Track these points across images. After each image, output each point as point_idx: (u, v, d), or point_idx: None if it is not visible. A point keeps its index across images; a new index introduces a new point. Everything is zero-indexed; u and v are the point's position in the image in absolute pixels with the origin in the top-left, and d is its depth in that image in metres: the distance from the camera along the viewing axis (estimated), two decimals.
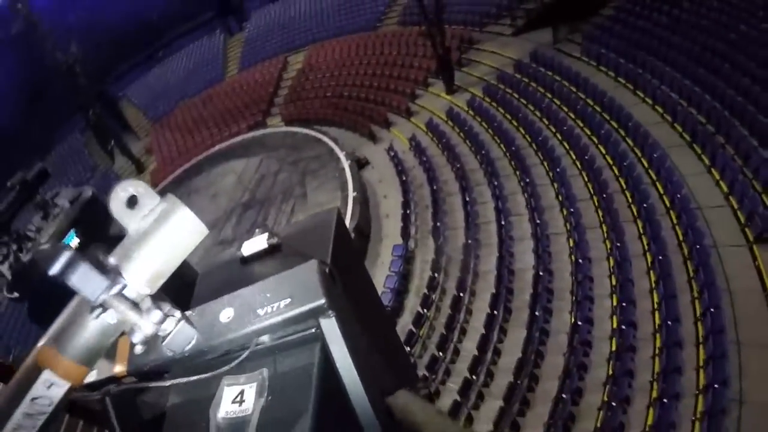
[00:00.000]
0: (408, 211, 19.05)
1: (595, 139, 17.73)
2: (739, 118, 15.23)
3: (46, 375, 1.39)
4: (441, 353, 14.26)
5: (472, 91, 23.15)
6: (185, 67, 39.11)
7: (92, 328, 1.38)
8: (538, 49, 22.32)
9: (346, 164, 22.11)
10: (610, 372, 11.98)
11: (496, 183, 18.22)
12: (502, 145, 19.80)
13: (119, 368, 1.64)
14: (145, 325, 1.42)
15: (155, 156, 33.76)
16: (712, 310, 11.42)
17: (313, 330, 1.60)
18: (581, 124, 18.50)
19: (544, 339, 13.48)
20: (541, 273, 14.86)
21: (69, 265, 1.26)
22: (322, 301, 1.51)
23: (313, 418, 1.48)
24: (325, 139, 24.79)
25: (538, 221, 16.20)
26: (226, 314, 1.60)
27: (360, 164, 22.51)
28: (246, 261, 2.02)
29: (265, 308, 1.55)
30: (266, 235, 2.01)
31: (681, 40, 17.94)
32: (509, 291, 15.03)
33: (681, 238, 13.59)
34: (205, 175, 28.17)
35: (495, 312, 14.44)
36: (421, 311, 15.46)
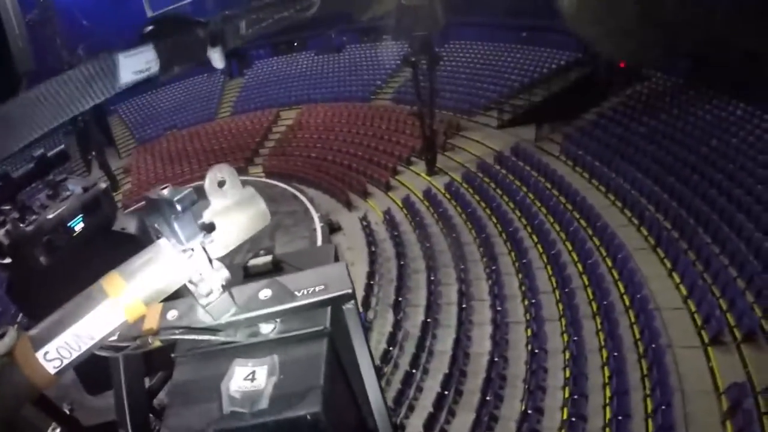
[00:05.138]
0: (372, 282, 18.82)
1: (563, 235, 18.00)
2: (703, 226, 15.66)
3: (110, 302, 1.53)
4: None
5: (451, 175, 23.60)
6: (181, 98, 39.08)
7: (165, 269, 1.59)
8: (519, 143, 23.03)
9: (318, 225, 22.05)
10: None
11: (462, 266, 18.19)
12: (473, 231, 19.96)
13: (148, 326, 1.78)
14: (213, 279, 1.66)
15: (132, 177, 32.98)
16: (663, 407, 11.21)
17: (322, 327, 1.80)
18: (551, 220, 18.83)
19: (492, 425, 13.03)
20: (496, 359, 14.59)
21: (187, 206, 1.49)
22: (351, 289, 1.79)
23: (323, 391, 1.64)
24: (303, 197, 24.83)
25: (499, 308, 16.09)
26: (264, 293, 1.80)
27: (332, 228, 22.43)
28: (248, 275, 2.19)
29: (301, 291, 1.78)
30: (270, 255, 2.22)
31: (655, 149, 18.65)
32: (462, 373, 14.67)
33: (637, 336, 13.55)
34: None
35: (446, 392, 14.01)
36: None
